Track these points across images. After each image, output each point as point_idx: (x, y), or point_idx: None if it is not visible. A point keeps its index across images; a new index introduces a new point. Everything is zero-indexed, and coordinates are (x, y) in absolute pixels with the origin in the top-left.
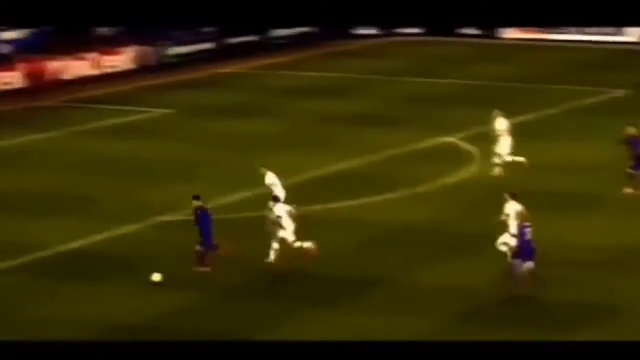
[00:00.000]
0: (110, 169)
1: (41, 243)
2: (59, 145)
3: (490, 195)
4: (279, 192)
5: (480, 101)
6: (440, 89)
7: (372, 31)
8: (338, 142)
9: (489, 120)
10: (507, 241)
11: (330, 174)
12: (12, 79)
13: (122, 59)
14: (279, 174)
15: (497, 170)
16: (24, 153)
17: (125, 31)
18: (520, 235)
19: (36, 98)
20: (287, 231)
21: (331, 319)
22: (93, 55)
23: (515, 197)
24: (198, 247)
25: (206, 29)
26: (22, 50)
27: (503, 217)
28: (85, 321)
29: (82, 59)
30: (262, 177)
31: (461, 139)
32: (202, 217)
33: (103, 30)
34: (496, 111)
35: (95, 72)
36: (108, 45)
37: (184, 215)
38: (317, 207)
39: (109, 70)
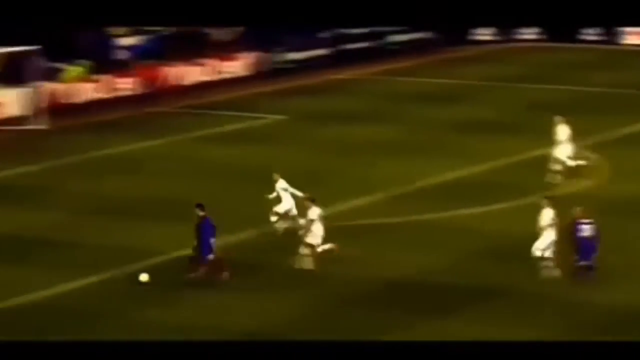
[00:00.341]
0: (224, 175)
1: (155, 249)
2: (174, 151)
3: (605, 206)
4: (288, 200)
5: (599, 109)
6: (558, 96)
7: (489, 37)
8: (454, 150)
9: (608, 129)
10: (540, 246)
11: (446, 181)
12: (130, 85)
13: (238, 65)
14: (394, 181)
15: (556, 178)
16: (140, 159)
17: (242, 37)
18: (574, 232)
19: (153, 104)
20: (316, 236)
21: (444, 328)
22: (209, 61)
23: (552, 202)
24: (192, 253)
25: (322, 35)
26: (139, 57)
27: (542, 224)
28: (202, 327)
29: (199, 64)
30: (276, 182)
31: (580, 147)
32: (203, 226)
33: (219, 36)
34: (558, 117)
35: (211, 78)
36: (224, 51)
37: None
38: (431, 216)
39: (225, 76)
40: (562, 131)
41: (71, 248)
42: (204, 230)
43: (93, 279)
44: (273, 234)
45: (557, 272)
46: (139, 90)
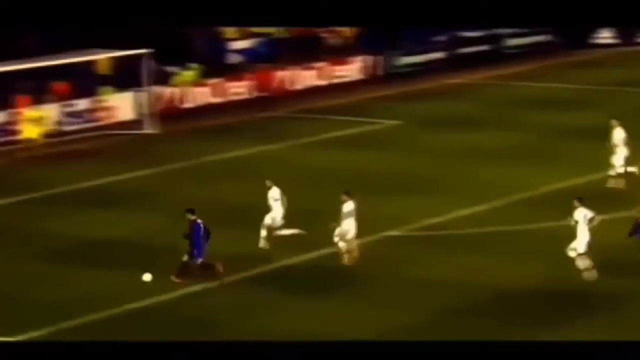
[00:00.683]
0: (337, 181)
1: (265, 256)
2: (287, 156)
3: None
4: (278, 210)
5: None
6: None
7: (611, 40)
8: (573, 157)
9: None
10: (575, 247)
11: (561, 189)
12: (242, 89)
13: (351, 69)
14: (508, 188)
15: (612, 182)
16: (252, 164)
17: (356, 41)
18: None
19: (265, 108)
20: (347, 232)
21: (564, 336)
22: (323, 65)
23: (583, 203)
24: (185, 258)
25: (437, 38)
26: (252, 60)
27: (572, 223)
28: (310, 334)
29: (311, 68)
30: (269, 189)
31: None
32: (195, 229)
33: (332, 40)
34: (613, 121)
35: (323, 82)
36: (337, 55)
37: (412, 230)
38: (546, 224)
39: (338, 80)
40: (618, 135)
41: (183, 253)
42: (195, 234)
43: (206, 286)
44: (388, 242)
45: (595, 273)
46: (252, 95)
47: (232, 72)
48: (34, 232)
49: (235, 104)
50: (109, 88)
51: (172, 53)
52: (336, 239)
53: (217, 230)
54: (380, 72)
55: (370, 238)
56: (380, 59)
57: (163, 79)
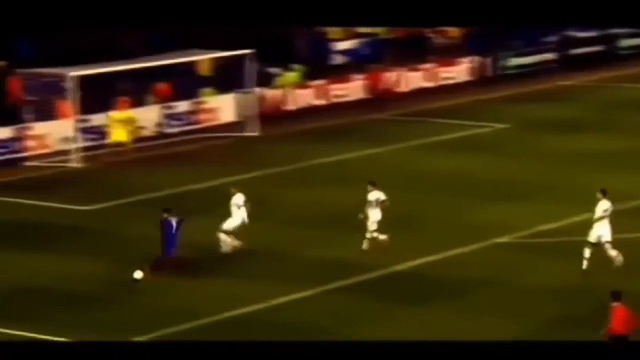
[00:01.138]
0: (443, 186)
1: (370, 262)
2: (391, 159)
3: None
4: (237, 218)
5: None
6: None
7: None
8: None
9: None
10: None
11: None
12: (346, 91)
13: (458, 71)
14: (622, 194)
15: None
16: (355, 168)
17: (464, 41)
18: None
19: (370, 111)
20: (372, 222)
21: None
22: (428, 66)
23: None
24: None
25: (548, 39)
26: (356, 61)
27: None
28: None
29: (417, 70)
30: (232, 195)
31: None
32: (166, 226)
33: (439, 40)
34: None
35: (430, 84)
36: (444, 55)
37: (522, 237)
38: None
39: (445, 82)
40: None
41: (283, 260)
42: (166, 230)
43: (307, 292)
44: (498, 249)
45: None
46: (356, 97)
47: (336, 73)
48: (133, 237)
49: (338, 106)
50: (210, 90)
51: (275, 54)
52: (372, 227)
53: (317, 235)
54: (488, 73)
55: (478, 245)
56: (488, 60)
57: (265, 81)
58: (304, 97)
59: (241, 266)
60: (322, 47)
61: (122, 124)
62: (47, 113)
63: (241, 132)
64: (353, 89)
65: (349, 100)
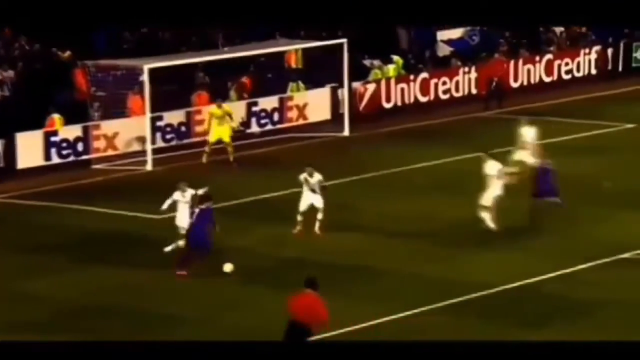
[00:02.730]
0: (566, 192)
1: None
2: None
3: None
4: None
5: None
6: None
7: None
8: None
9: None
10: None
11: None
12: (451, 85)
13: (581, 63)
14: None
15: None
16: (462, 172)
17: (586, 30)
18: None
19: (478, 107)
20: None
21: None
22: (546, 57)
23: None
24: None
25: None
26: (462, 53)
27: None
28: None
29: (532, 62)
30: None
31: None
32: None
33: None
34: None
35: (548, 78)
36: (563, 46)
37: None
38: None
39: (565, 76)
40: None
41: (380, 276)
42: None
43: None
44: (624, 265)
45: None
46: (464, 92)
47: (442, 65)
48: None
49: (443, 102)
50: (299, 84)
51: (372, 44)
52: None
53: (422, 249)
54: (616, 66)
55: (602, 261)
56: (616, 50)
57: (361, 74)
58: (405, 92)
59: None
60: (425, 36)
61: (222, 120)
62: (117, 109)
63: (333, 131)
64: (460, 83)
65: (456, 96)
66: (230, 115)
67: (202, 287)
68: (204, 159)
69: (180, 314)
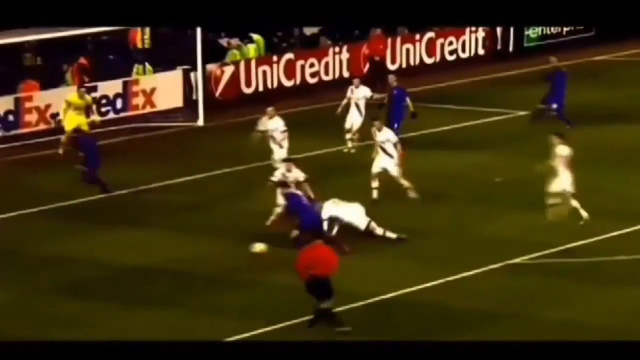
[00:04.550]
0: None
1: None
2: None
3: None
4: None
5: None
6: None
7: None
8: None
9: None
10: None
11: None
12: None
13: (466, 42)
14: None
15: None
16: None
17: None
18: None
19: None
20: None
21: None
22: (425, 36)
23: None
24: (295, 233)
25: None
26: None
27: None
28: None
29: (412, 41)
30: None
31: None
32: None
33: None
34: None
35: (429, 60)
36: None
37: None
38: None
39: (449, 57)
40: None
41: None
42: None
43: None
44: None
45: None
46: (339, 75)
47: (309, 45)
48: None
49: (310, 87)
50: (146, 66)
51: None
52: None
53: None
54: (506, 46)
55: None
56: (506, 29)
57: (218, 55)
58: (267, 75)
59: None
60: None
61: (80, 111)
62: None
63: (185, 120)
64: (330, 65)
65: (325, 79)
66: (91, 108)
67: None
68: (61, 150)
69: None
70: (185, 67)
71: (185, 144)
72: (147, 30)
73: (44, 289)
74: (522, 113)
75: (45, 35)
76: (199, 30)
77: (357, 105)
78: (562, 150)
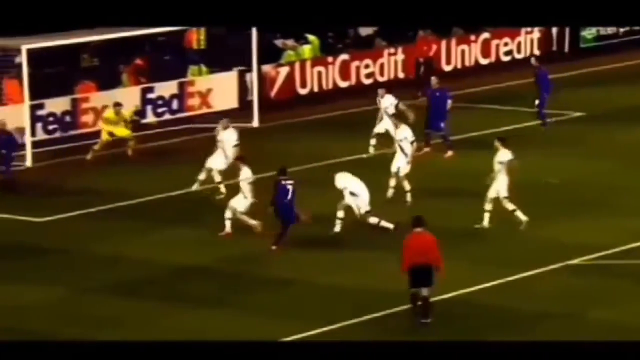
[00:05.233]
0: None
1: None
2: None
3: None
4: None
5: None
6: None
7: None
8: None
9: None
10: None
11: None
12: (384, 67)
13: (521, 43)
14: None
15: None
16: None
17: None
18: None
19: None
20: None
21: None
22: (480, 37)
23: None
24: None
25: None
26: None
27: None
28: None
29: (467, 42)
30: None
31: None
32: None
33: None
34: None
35: (484, 60)
36: None
37: None
38: None
39: (504, 58)
40: None
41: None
42: (281, 195)
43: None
44: None
45: None
46: (394, 76)
47: (364, 46)
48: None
49: (366, 88)
50: (202, 67)
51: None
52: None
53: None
54: (561, 47)
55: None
56: (561, 29)
57: (273, 55)
58: (322, 76)
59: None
60: None
61: (116, 125)
62: None
63: (240, 121)
64: (386, 66)
65: (381, 80)
66: (126, 123)
67: None
68: (89, 156)
69: None
70: (240, 68)
71: (240, 145)
72: (203, 31)
73: (96, 289)
74: (577, 114)
75: (102, 36)
76: (254, 31)
77: (387, 113)
78: (503, 156)
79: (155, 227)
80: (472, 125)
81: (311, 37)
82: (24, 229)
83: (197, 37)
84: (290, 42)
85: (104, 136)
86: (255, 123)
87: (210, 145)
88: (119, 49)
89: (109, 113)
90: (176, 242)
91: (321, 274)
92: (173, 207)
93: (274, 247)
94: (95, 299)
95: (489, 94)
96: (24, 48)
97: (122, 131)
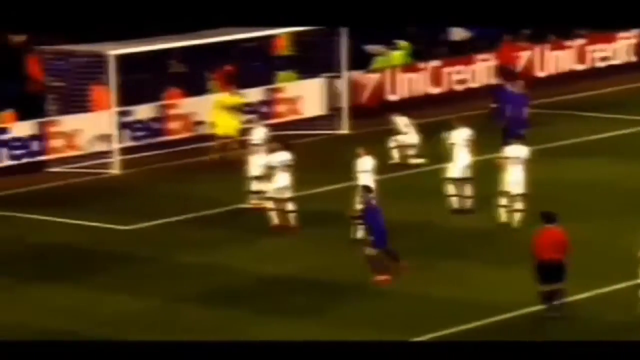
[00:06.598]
0: None
1: None
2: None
3: None
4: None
5: None
6: None
7: None
8: None
9: None
10: None
11: None
12: (468, 74)
13: (617, 49)
14: None
15: None
16: None
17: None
18: None
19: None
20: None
21: None
22: (575, 43)
23: None
24: (368, 250)
25: None
26: (482, 36)
27: None
28: None
29: (562, 47)
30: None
31: None
32: (369, 214)
33: None
34: None
35: (579, 66)
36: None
37: None
38: None
39: (600, 64)
40: None
41: None
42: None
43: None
44: None
45: None
46: (480, 83)
47: (456, 52)
48: (187, 265)
49: (458, 95)
50: (289, 74)
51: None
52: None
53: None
54: None
55: None
56: None
57: (361, 62)
58: (413, 83)
59: None
60: None
61: (230, 112)
62: (77, 103)
63: (329, 128)
64: (478, 72)
65: (473, 87)
66: (241, 109)
67: None
68: (212, 156)
69: None
70: (329, 74)
71: (330, 152)
72: (291, 37)
73: (187, 297)
74: None
75: (190, 42)
76: (344, 37)
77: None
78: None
79: (243, 237)
80: (570, 133)
81: (402, 43)
82: (113, 236)
83: (285, 43)
84: (380, 48)
85: (220, 130)
86: (344, 130)
87: (295, 153)
88: (207, 55)
89: (225, 97)
90: (262, 251)
91: (416, 284)
92: (260, 217)
93: (381, 278)
94: (186, 308)
95: (584, 101)
96: (112, 54)
97: (233, 128)
